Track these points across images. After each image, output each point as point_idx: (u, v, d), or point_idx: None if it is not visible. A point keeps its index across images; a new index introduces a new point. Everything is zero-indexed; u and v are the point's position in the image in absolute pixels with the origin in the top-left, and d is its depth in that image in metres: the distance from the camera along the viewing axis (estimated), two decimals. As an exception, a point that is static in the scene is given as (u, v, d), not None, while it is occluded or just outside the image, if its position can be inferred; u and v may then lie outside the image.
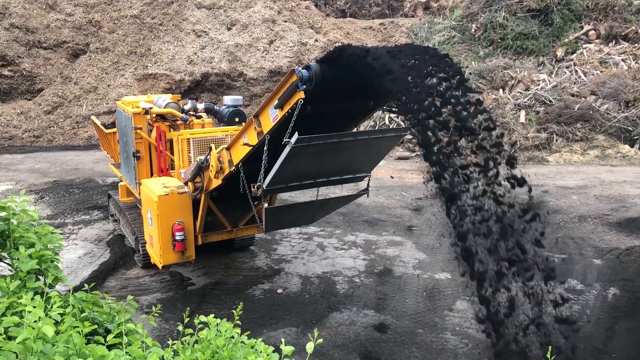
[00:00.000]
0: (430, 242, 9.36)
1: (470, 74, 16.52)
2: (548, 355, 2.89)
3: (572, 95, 15.70)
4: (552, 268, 5.00)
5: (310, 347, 2.63)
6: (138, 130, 8.05)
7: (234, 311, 3.23)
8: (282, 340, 2.89)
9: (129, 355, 2.65)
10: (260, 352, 2.74)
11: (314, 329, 2.60)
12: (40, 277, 3.45)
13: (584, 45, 17.90)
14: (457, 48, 19.16)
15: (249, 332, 3.11)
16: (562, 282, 5.11)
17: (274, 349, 2.80)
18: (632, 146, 14.72)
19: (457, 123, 4.69)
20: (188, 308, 3.69)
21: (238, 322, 3.05)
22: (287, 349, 2.66)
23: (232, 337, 2.84)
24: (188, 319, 3.31)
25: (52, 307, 2.62)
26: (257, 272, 8.30)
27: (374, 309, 7.20)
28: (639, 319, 6.89)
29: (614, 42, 17.93)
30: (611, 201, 11.25)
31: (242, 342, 2.85)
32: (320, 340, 2.75)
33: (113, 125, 11.07)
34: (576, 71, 16.79)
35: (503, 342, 4.79)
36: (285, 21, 19.83)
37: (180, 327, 3.05)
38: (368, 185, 6.54)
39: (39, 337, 2.39)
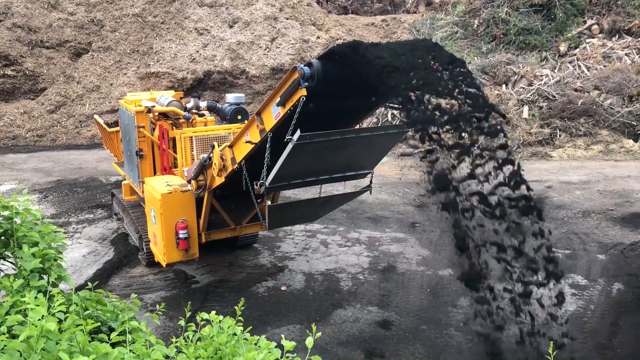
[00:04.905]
0: (434, 238, 9.35)
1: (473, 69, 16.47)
2: (550, 351, 2.89)
3: (575, 90, 15.62)
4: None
5: (309, 342, 2.63)
6: (141, 129, 8.06)
7: (237, 307, 3.23)
8: (282, 336, 2.89)
9: (133, 353, 2.65)
10: (262, 348, 2.74)
11: (317, 326, 2.59)
12: (44, 276, 3.46)
13: (587, 40, 17.80)
14: (460, 44, 19.10)
15: (250, 327, 3.11)
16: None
17: (276, 344, 2.80)
18: (635, 141, 14.64)
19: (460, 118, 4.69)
20: (189, 302, 3.69)
21: (240, 318, 3.06)
22: (288, 345, 2.66)
23: (234, 334, 2.84)
24: (190, 313, 3.31)
25: (54, 305, 2.62)
26: (260, 269, 8.32)
27: (378, 306, 7.20)
28: (644, 314, 6.89)
29: (617, 36, 17.82)
30: (615, 196, 11.21)
31: (245, 338, 2.85)
32: (319, 334, 2.75)
33: (116, 124, 11.08)
34: (579, 66, 16.70)
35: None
36: (287, 18, 19.80)
37: (182, 322, 3.05)
38: (371, 182, 6.54)
39: (42, 335, 2.40)
